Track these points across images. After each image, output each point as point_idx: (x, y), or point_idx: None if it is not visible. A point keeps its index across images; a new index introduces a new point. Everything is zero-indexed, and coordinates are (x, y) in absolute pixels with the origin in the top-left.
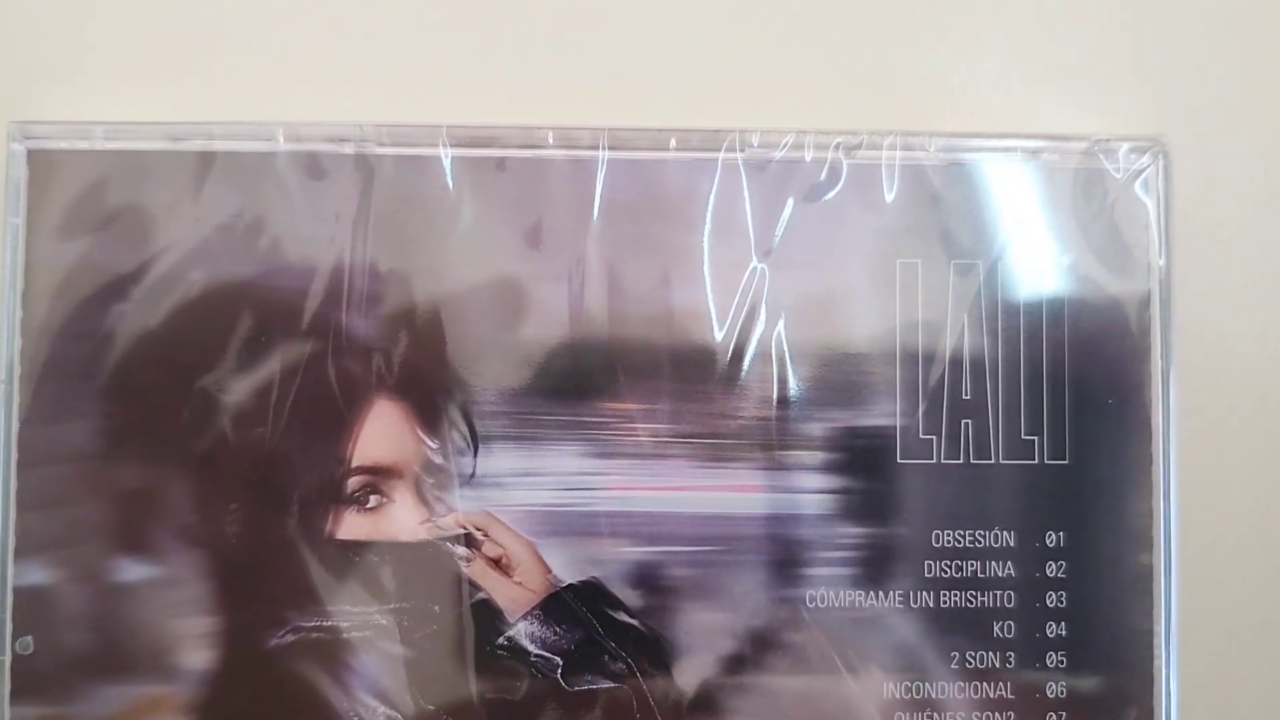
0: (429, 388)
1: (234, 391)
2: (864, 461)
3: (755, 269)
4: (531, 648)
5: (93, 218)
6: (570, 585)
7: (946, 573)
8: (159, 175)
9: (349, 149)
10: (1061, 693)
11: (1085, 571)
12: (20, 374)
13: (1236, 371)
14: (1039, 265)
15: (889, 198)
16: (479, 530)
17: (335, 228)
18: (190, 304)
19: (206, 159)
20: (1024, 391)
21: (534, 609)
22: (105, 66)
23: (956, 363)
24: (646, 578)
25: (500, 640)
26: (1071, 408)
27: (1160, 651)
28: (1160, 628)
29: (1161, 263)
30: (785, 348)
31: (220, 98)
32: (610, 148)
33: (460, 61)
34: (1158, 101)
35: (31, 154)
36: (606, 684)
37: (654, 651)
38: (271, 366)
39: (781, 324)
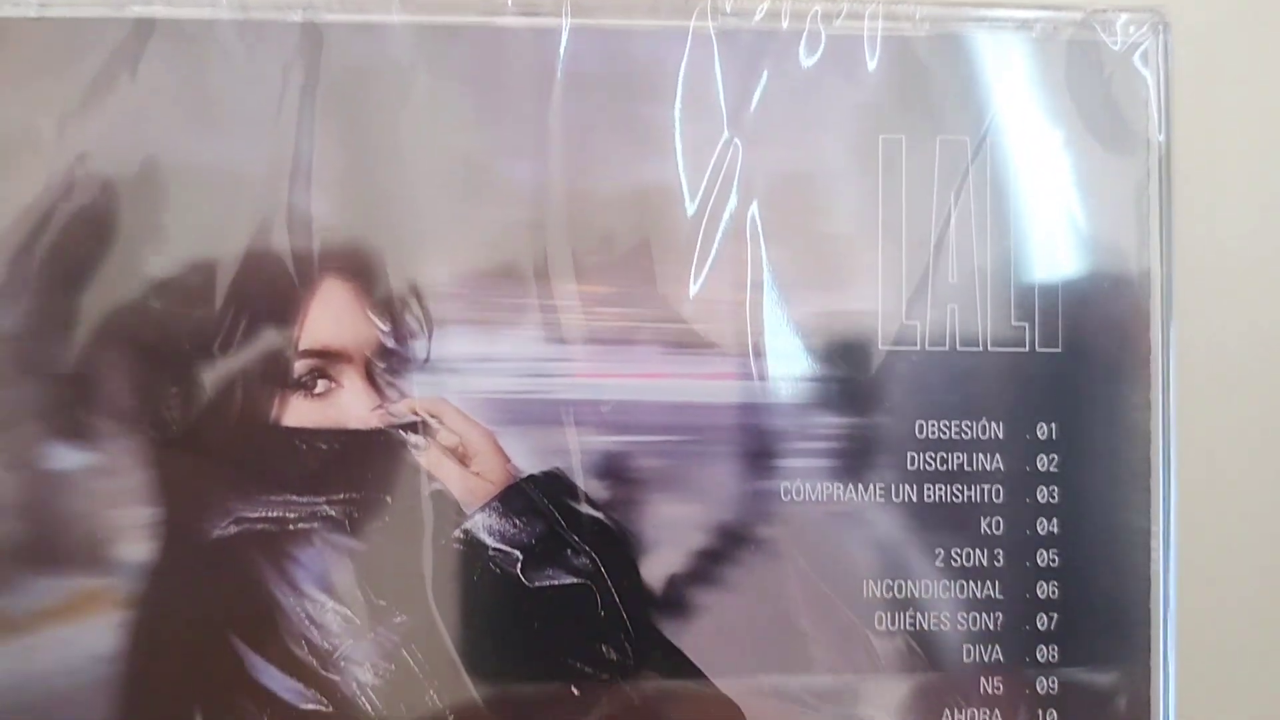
0: (380, 267)
1: (175, 269)
2: (843, 348)
3: (728, 144)
4: (490, 541)
5: (27, 90)
6: (531, 476)
7: (930, 465)
8: (96, 44)
9: (296, 16)
10: (1053, 593)
11: (1078, 466)
12: None
13: (1239, 251)
14: (1031, 142)
15: (871, 69)
16: (433, 417)
17: (282, 100)
18: (130, 180)
19: (145, 26)
20: (1014, 276)
21: (492, 500)
22: None
23: (942, 245)
24: (612, 469)
25: (456, 533)
26: (1064, 293)
27: (1158, 551)
28: (1158, 527)
29: (1161, 139)
30: (760, 227)
31: None
32: (573, 15)
33: None
34: None
35: None
36: (569, 579)
37: (619, 546)
38: (214, 244)
39: (756, 202)
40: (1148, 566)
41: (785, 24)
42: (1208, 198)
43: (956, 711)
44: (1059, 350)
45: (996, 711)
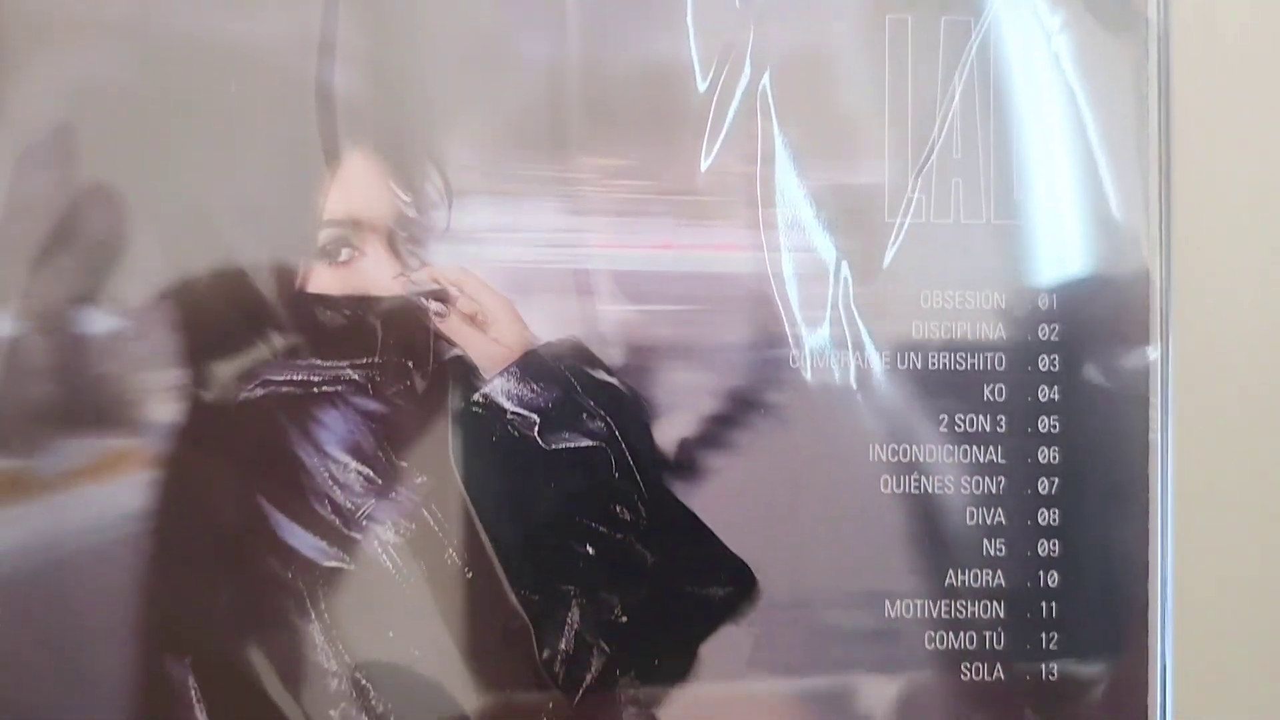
0: (402, 140)
1: (203, 139)
2: (851, 220)
3: (740, 20)
4: (508, 405)
5: None
6: (548, 343)
7: (935, 334)
8: None
9: None
10: (1054, 458)
11: (1077, 334)
12: None
13: (1236, 128)
14: (1032, 22)
15: None
16: (454, 285)
17: None
18: (160, 56)
19: None
20: (1015, 151)
21: (510, 366)
22: None
23: (947, 121)
24: (628, 336)
25: (475, 397)
26: (1066, 173)
27: (1157, 409)
28: (1157, 400)
29: (1159, 18)
30: (771, 101)
31: None
32: None
33: None
34: None
35: None
36: (584, 442)
37: (633, 411)
38: (240, 115)
39: (767, 76)
40: (1146, 433)
41: None
42: (1206, 76)
43: (960, 572)
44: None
45: (999, 572)
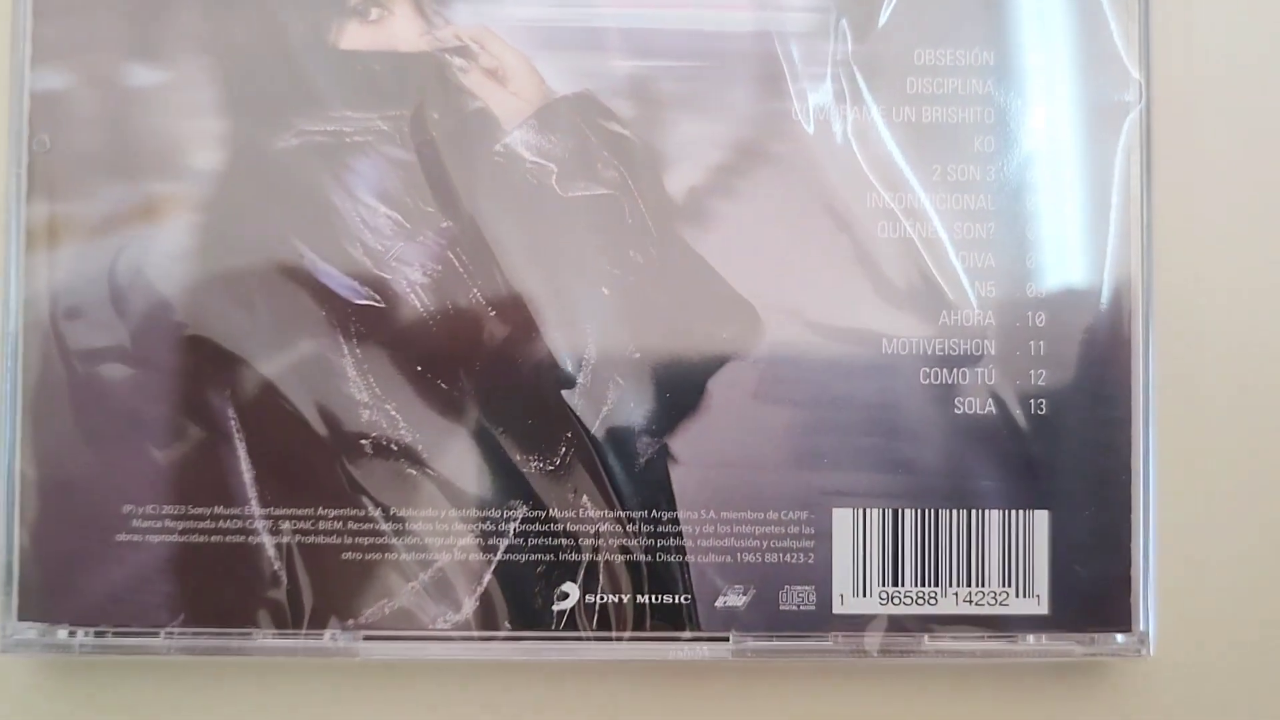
0: None
1: None
2: None
3: None
4: (527, 154)
5: None
6: (564, 96)
7: (929, 88)
8: None
9: None
10: (1040, 205)
11: (1064, 88)
12: None
13: None
14: None
15: None
16: (475, 42)
17: None
18: None
19: None
20: None
21: (529, 118)
22: None
23: None
24: (638, 91)
25: (497, 148)
26: None
27: (1136, 126)
28: (1133, 132)
29: None
30: None
31: None
32: None
33: None
34: None
35: None
36: (599, 190)
37: (645, 160)
38: None
39: None
40: (1110, 199)
41: None
42: None
43: (952, 312)
44: None
45: (990, 313)
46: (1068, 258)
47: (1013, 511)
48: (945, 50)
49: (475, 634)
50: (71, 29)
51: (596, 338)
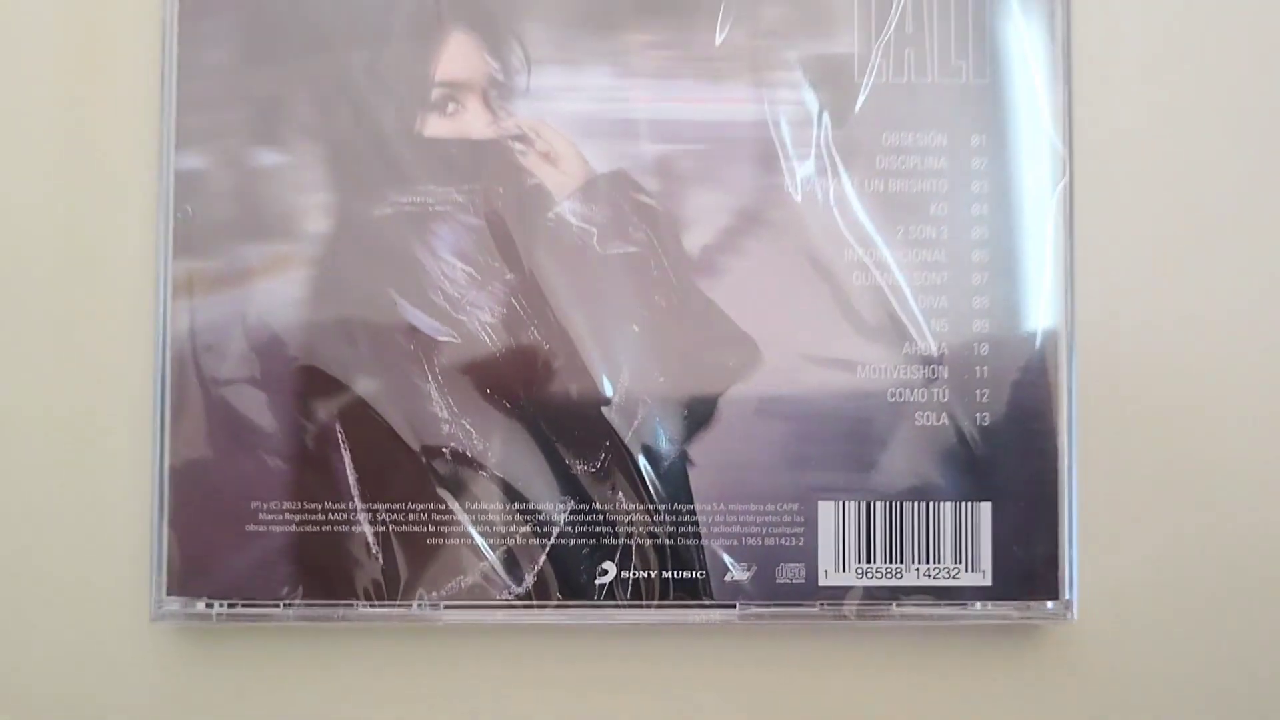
0: (493, 21)
1: (347, 25)
2: (829, 81)
3: None
4: (574, 220)
5: None
6: (603, 174)
7: (894, 164)
8: None
9: None
10: (985, 258)
11: (1002, 164)
12: (178, 13)
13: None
14: None
15: None
16: (532, 131)
17: None
18: None
19: None
20: (953, 26)
21: (575, 191)
22: None
23: (902, 5)
24: (662, 169)
25: (549, 215)
26: (991, 44)
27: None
28: (1060, 198)
29: None
30: None
31: None
32: None
33: None
34: None
35: None
36: (630, 248)
37: (668, 224)
38: (378, 5)
39: None
40: (1050, 228)
41: None
42: None
43: (910, 345)
44: (986, 82)
45: (943, 344)
46: (1006, 300)
47: (962, 503)
48: (907, 133)
49: (533, 603)
50: (208, 120)
51: (629, 366)
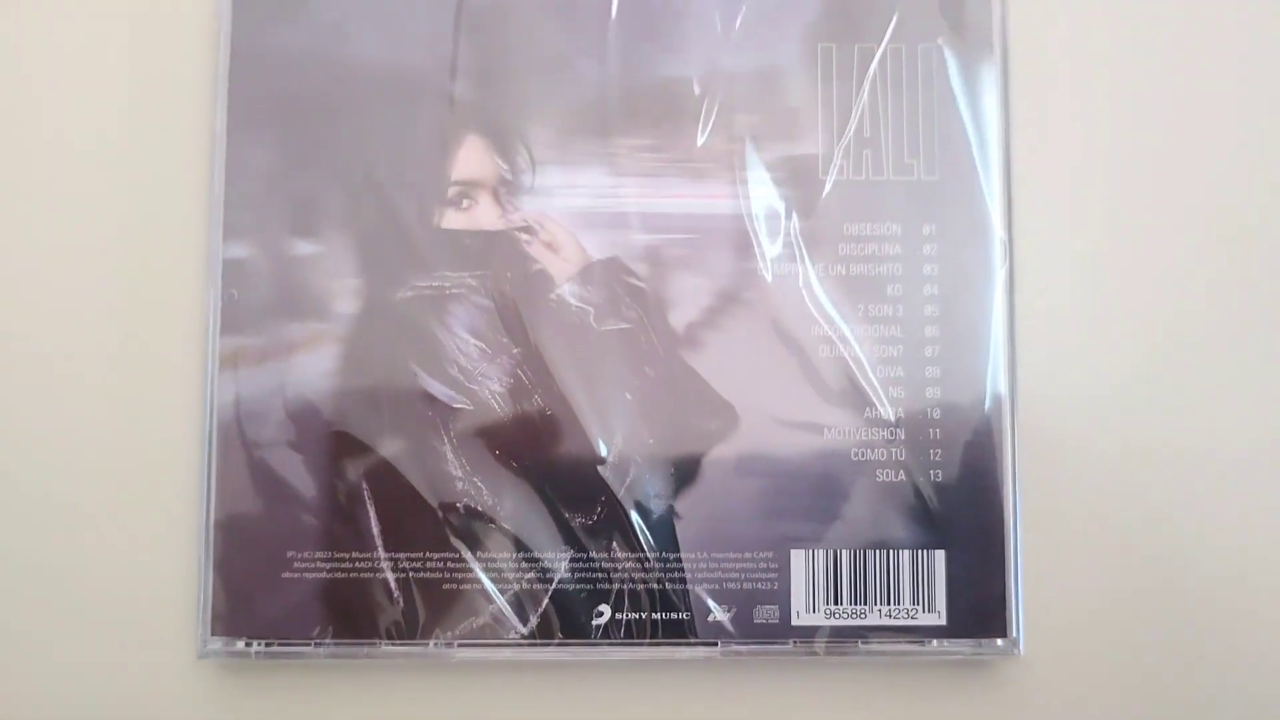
0: (503, 127)
1: (375, 129)
2: (797, 178)
3: (722, 48)
4: (574, 302)
5: (276, 23)
6: (599, 260)
7: (854, 251)
8: None
9: None
10: (935, 334)
11: (950, 250)
12: (226, 125)
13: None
14: (916, 46)
15: (813, 3)
16: (536, 223)
17: (441, 24)
18: (345, 71)
19: None
20: (905, 130)
21: (574, 275)
22: None
23: (859, 112)
24: (651, 256)
25: (551, 296)
26: (939, 144)
27: (1004, 275)
28: (1002, 279)
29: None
30: (742, 101)
31: None
32: None
33: None
34: None
35: None
36: (623, 325)
37: (656, 304)
38: (398, 113)
39: (740, 84)
40: (992, 300)
41: None
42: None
43: (871, 410)
44: (935, 178)
45: (900, 409)
46: (956, 370)
47: (919, 551)
48: (865, 224)
49: (538, 642)
50: (252, 216)
51: (622, 430)
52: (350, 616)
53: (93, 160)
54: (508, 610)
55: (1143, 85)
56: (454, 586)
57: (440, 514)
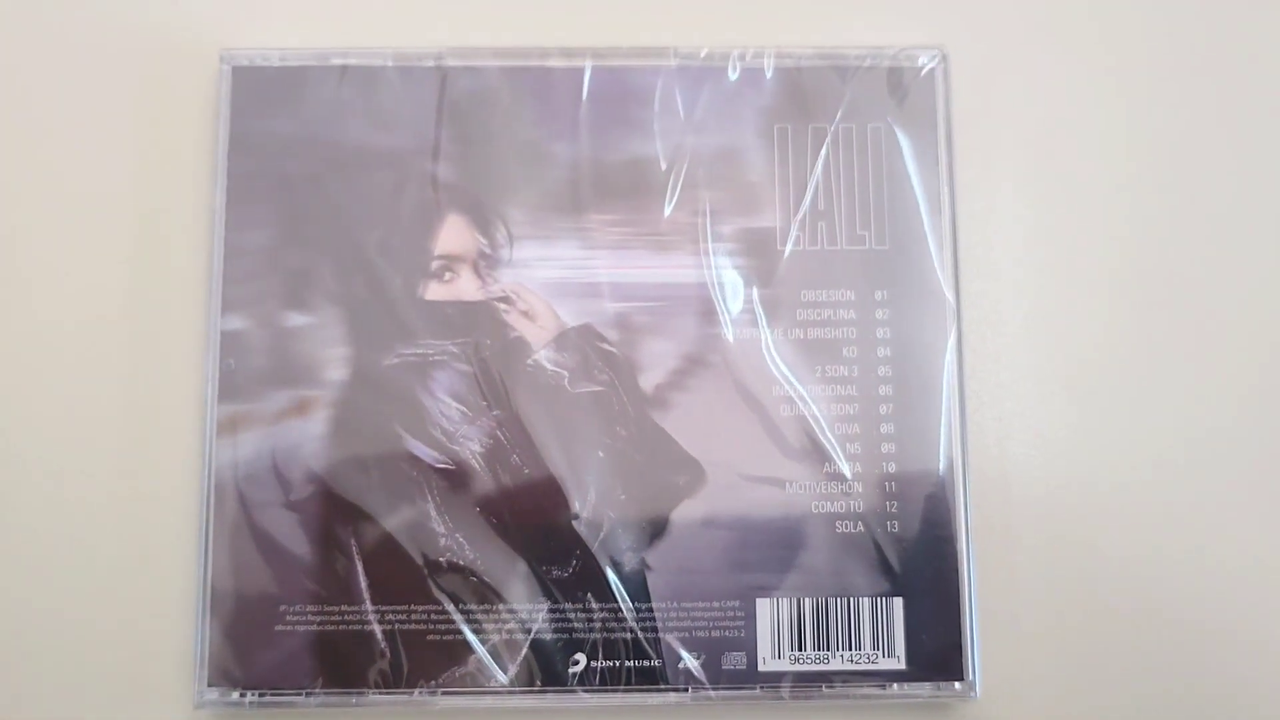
0: (482, 205)
1: (363, 208)
2: (756, 249)
3: (686, 128)
4: (549, 366)
5: (271, 108)
6: (573, 327)
7: (811, 316)
8: (314, 79)
9: (431, 62)
10: (889, 392)
11: (902, 315)
12: (225, 204)
13: (1007, 142)
14: (866, 124)
15: (768, 84)
16: (514, 294)
17: (425, 110)
18: (336, 153)
19: (342, 69)
20: (857, 203)
21: (550, 342)
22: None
23: (814, 188)
24: (622, 323)
25: (529, 361)
26: (889, 215)
27: (953, 337)
28: (952, 341)
29: (942, 100)
30: (705, 177)
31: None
32: (593, 59)
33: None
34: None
35: (234, 70)
36: (596, 387)
37: (626, 367)
38: (385, 193)
39: (702, 164)
40: (943, 361)
41: (717, 59)
42: (984, 155)
43: (831, 464)
44: (887, 248)
45: (857, 463)
46: (909, 427)
47: (878, 598)
48: (821, 291)
49: (517, 690)
50: (248, 290)
51: (595, 486)
52: (340, 667)
53: (96, 237)
54: (489, 660)
55: (1082, 153)
56: (438, 638)
57: (425, 569)
